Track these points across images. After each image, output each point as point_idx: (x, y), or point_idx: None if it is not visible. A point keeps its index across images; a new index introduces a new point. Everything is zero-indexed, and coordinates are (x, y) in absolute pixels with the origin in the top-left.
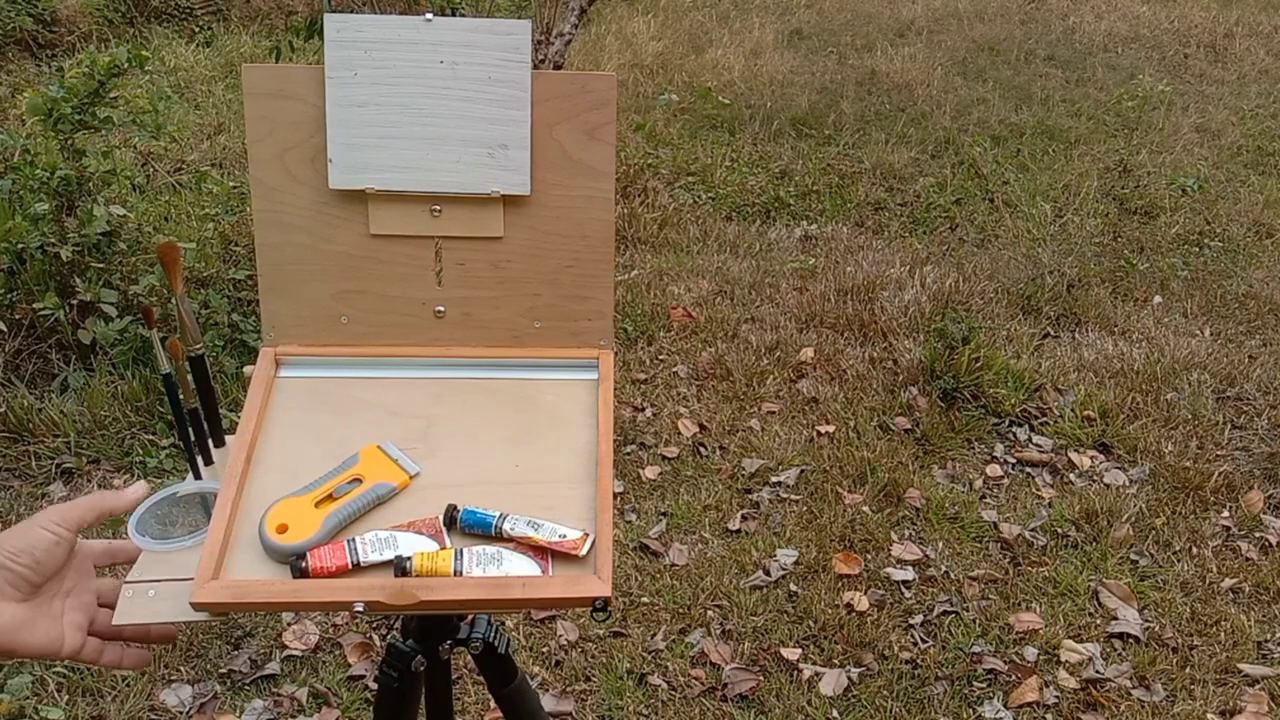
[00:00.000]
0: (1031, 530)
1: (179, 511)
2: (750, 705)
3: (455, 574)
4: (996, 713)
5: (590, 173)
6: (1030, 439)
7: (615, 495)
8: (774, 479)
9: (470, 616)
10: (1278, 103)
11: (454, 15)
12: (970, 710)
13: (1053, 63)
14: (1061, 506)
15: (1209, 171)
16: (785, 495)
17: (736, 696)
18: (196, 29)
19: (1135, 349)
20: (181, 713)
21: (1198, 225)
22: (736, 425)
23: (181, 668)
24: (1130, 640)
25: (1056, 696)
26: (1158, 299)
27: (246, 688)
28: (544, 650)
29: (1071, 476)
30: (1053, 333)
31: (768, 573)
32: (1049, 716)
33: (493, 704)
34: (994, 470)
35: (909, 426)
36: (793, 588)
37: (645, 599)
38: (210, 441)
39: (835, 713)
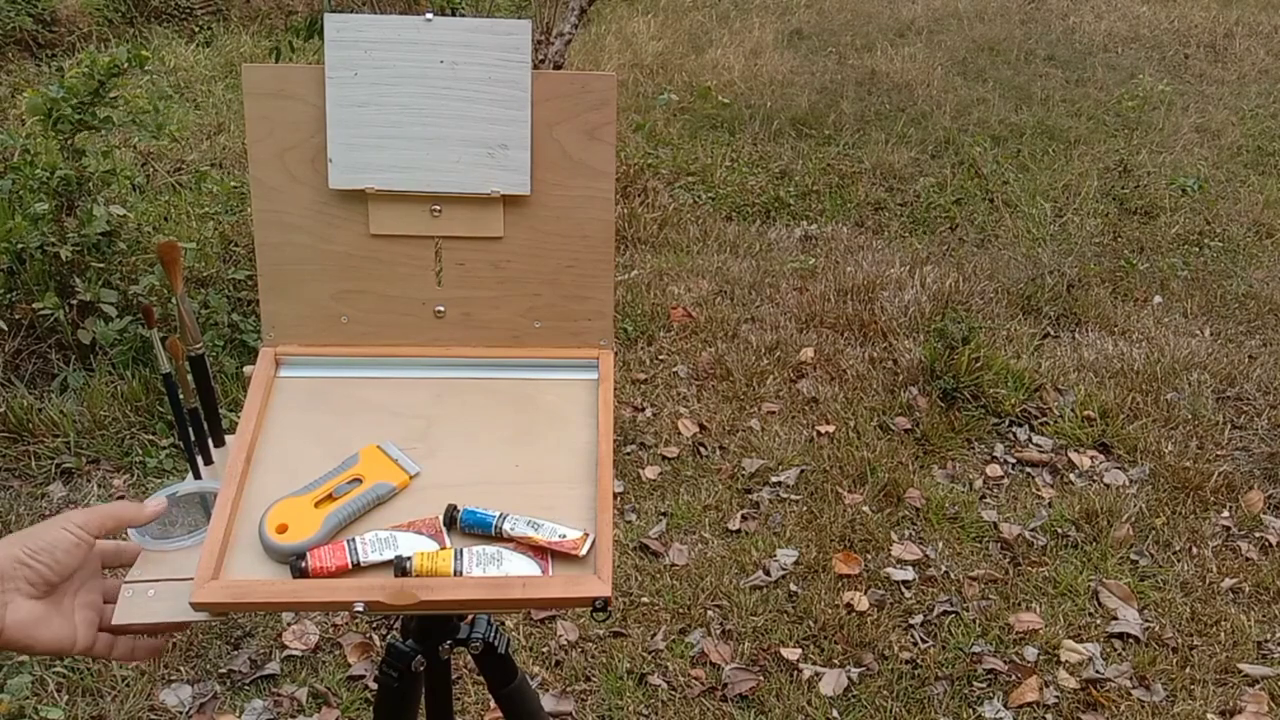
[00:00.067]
0: (1031, 530)
1: (179, 511)
2: (750, 705)
3: (455, 574)
4: (996, 713)
5: (590, 173)
6: (1030, 439)
7: (615, 495)
8: (774, 479)
9: (470, 616)
10: (1278, 103)
11: (454, 15)
12: (970, 710)
13: (1053, 63)
14: (1061, 506)
15: (1209, 171)
16: (785, 495)
17: (736, 696)
18: (196, 29)
19: (1135, 349)
20: (181, 713)
21: (1198, 225)
22: (736, 425)
23: (181, 668)
24: (1130, 640)
25: (1056, 696)
26: (1158, 299)
27: (246, 688)
28: (544, 650)
29: (1071, 476)
30: (1053, 333)
31: (768, 573)
32: (1049, 716)
33: (493, 704)
34: (994, 470)
35: (909, 426)
36: (793, 588)
37: (645, 599)
38: (210, 441)
39: (835, 713)
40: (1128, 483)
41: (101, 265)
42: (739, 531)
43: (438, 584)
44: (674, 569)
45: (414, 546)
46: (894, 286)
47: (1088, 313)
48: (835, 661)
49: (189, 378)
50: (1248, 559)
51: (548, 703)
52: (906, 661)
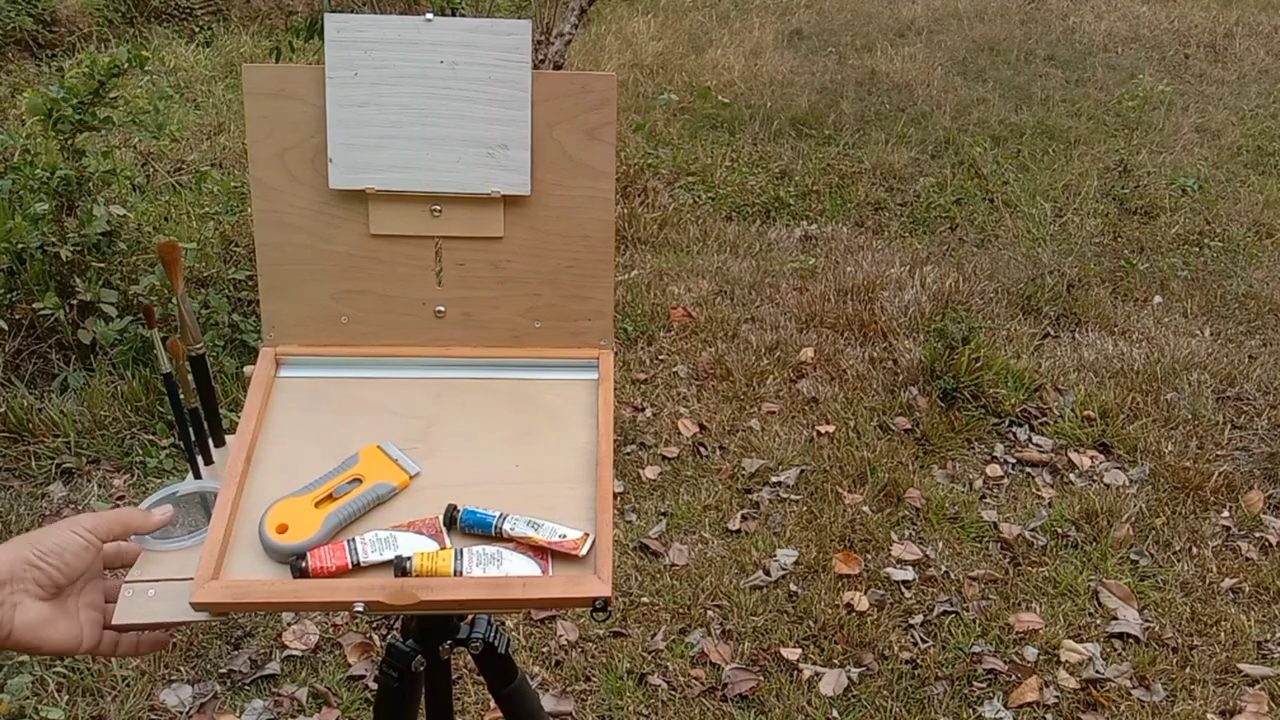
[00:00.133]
0: (1031, 530)
1: (179, 511)
2: (750, 705)
3: (455, 574)
4: (996, 713)
5: (590, 173)
6: (1030, 439)
7: (615, 495)
8: (774, 479)
9: (470, 616)
10: (1278, 103)
11: (454, 15)
12: (970, 710)
13: (1053, 63)
14: (1061, 506)
15: (1209, 171)
16: (785, 495)
17: (736, 696)
18: (196, 29)
19: (1135, 349)
20: (181, 713)
21: (1198, 225)
22: (736, 425)
23: (181, 668)
24: (1130, 640)
25: (1056, 696)
26: (1158, 299)
27: (246, 688)
28: (544, 650)
29: (1071, 476)
30: (1053, 333)
31: (768, 573)
32: (1049, 716)
33: (493, 704)
34: (994, 470)
35: (909, 426)
36: (793, 588)
37: (645, 599)
38: (210, 441)
39: (835, 713)
40: (1128, 483)
41: (102, 265)
42: (739, 531)
43: (438, 584)
44: (674, 569)
45: (414, 546)
46: (894, 286)
47: (1088, 313)
48: (835, 661)
49: (189, 377)
50: (1248, 559)
51: (548, 703)
52: (906, 661)
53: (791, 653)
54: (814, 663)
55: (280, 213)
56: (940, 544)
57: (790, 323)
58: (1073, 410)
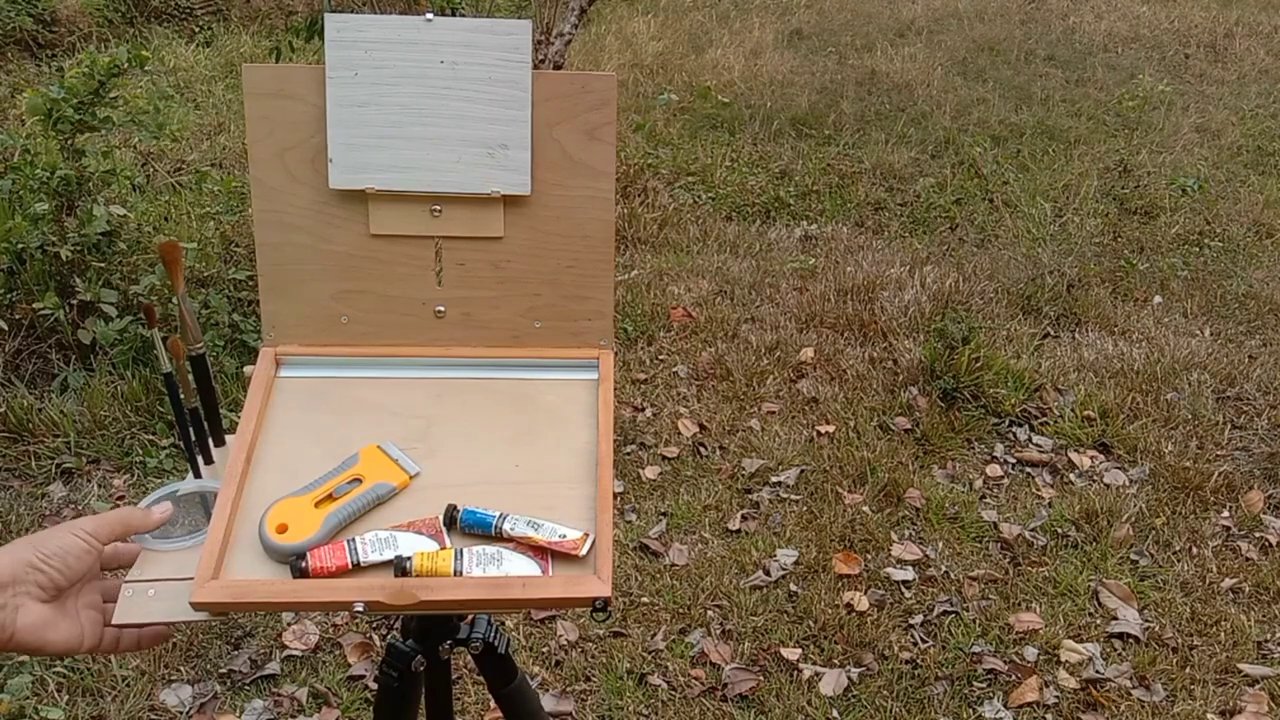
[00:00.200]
0: (1031, 530)
1: (179, 511)
2: (750, 705)
3: (455, 574)
4: (996, 713)
5: (590, 173)
6: (1030, 439)
7: (615, 495)
8: (774, 479)
9: (470, 616)
10: (1278, 103)
11: (454, 15)
12: (970, 710)
13: (1053, 63)
14: (1061, 506)
15: (1209, 171)
16: (785, 495)
17: (736, 696)
18: (196, 29)
19: (1135, 349)
20: (181, 713)
21: (1198, 225)
22: (736, 425)
23: (181, 668)
24: (1130, 640)
25: (1056, 696)
26: (1158, 299)
27: (246, 688)
28: (544, 650)
29: (1071, 476)
30: (1053, 333)
31: (768, 573)
32: (1049, 716)
33: (493, 704)
34: (994, 470)
35: (909, 426)
36: (793, 588)
37: (645, 599)
38: (210, 441)
39: (835, 713)
40: (1128, 483)
41: (102, 265)
42: (739, 531)
43: (438, 584)
44: (674, 569)
45: (414, 546)
46: (894, 286)
47: (1088, 313)
48: (835, 661)
49: (189, 377)
50: (1248, 559)
51: (548, 703)
52: (906, 661)
53: (791, 653)
54: (814, 663)
55: (280, 213)
56: (940, 544)
57: (790, 323)
58: (1073, 410)
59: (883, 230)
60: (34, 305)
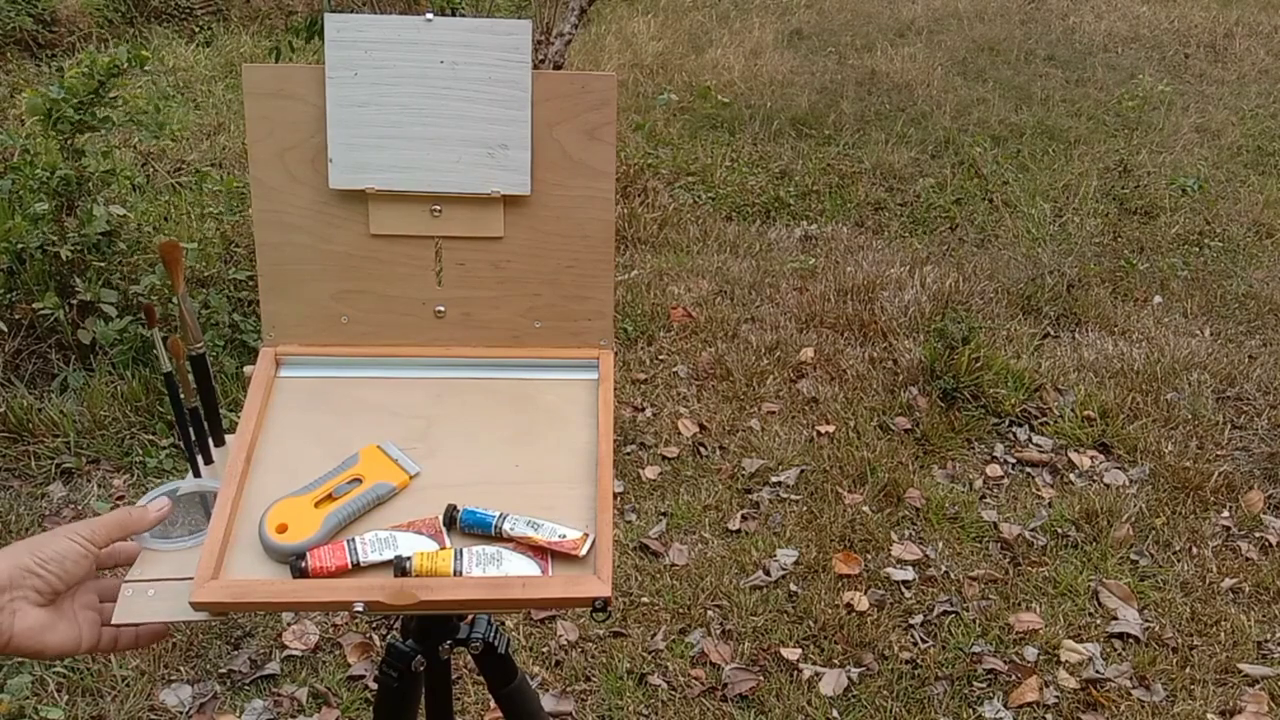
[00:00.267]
0: (1031, 530)
1: (179, 511)
2: (750, 705)
3: (455, 574)
4: (996, 713)
5: (590, 173)
6: (1030, 439)
7: (615, 495)
8: (774, 479)
9: (470, 616)
10: (1278, 103)
11: (454, 15)
12: (970, 710)
13: (1053, 63)
14: (1061, 506)
15: (1209, 171)
16: (785, 495)
17: (736, 696)
18: (196, 29)
19: (1135, 349)
20: (181, 713)
21: (1198, 225)
22: (736, 425)
23: (181, 668)
24: (1130, 640)
25: (1056, 696)
26: (1158, 299)
27: (246, 688)
28: (544, 650)
29: (1071, 476)
30: (1053, 333)
31: (768, 573)
32: (1049, 716)
33: (493, 704)
34: (994, 470)
35: (909, 426)
36: (793, 588)
37: (645, 599)
38: (210, 440)
39: (835, 713)
40: (1128, 483)
41: (102, 265)
42: (739, 531)
43: (438, 584)
44: (674, 569)
45: (414, 546)
46: (894, 286)
47: (1088, 313)
48: (835, 661)
49: (189, 377)
50: (1248, 559)
51: (548, 703)
52: (906, 661)
53: (791, 653)
54: (814, 663)
55: (280, 213)
56: (940, 544)
57: (790, 323)
58: (1073, 410)
59: (883, 230)
60: (34, 305)
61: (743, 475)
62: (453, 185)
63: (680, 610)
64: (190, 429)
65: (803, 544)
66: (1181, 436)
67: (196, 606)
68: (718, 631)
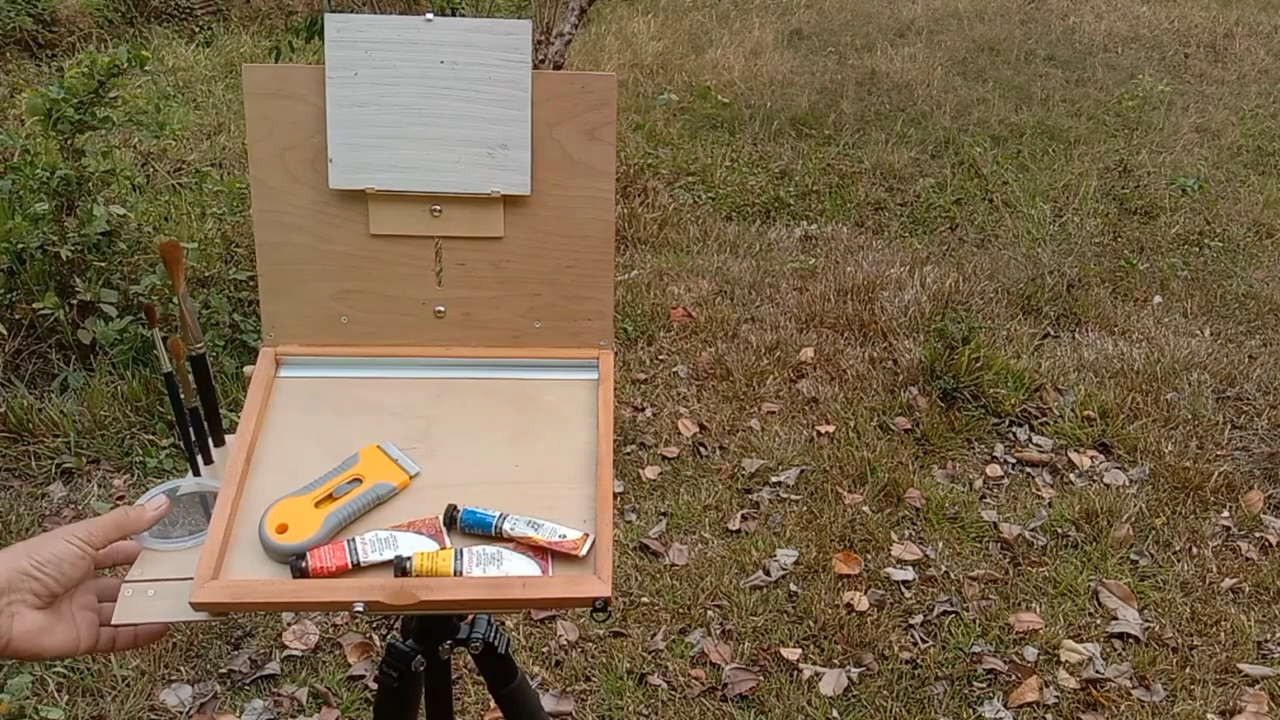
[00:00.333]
0: (1031, 530)
1: (179, 511)
2: (750, 705)
3: (455, 574)
4: (996, 713)
5: (590, 173)
6: (1030, 439)
7: (615, 495)
8: (774, 479)
9: (470, 616)
10: (1278, 103)
11: (454, 15)
12: (970, 710)
13: (1053, 63)
14: (1061, 506)
15: (1209, 171)
16: (785, 495)
17: (736, 696)
18: (196, 29)
19: (1135, 349)
20: (181, 713)
21: (1198, 225)
22: (736, 425)
23: (181, 668)
24: (1130, 640)
25: (1056, 696)
26: (1158, 299)
27: (246, 688)
28: (544, 650)
29: (1071, 476)
30: (1053, 333)
31: (768, 573)
32: (1049, 716)
33: (493, 704)
34: (994, 470)
35: (909, 426)
36: (793, 588)
37: (645, 599)
38: (210, 440)
39: (835, 713)
40: (1128, 483)
41: (102, 265)
42: (739, 531)
43: (438, 584)
44: (674, 569)
45: (414, 546)
46: (894, 286)
47: (1088, 313)
48: (835, 661)
49: (190, 377)
50: (1248, 559)
51: (548, 703)
52: (906, 661)
53: (791, 653)
54: (814, 663)
55: (280, 213)
56: (940, 544)
57: (790, 323)
58: (1073, 410)
59: (883, 230)
60: (34, 305)
61: (743, 475)
62: (453, 185)
63: (680, 610)
64: (190, 429)
65: (803, 544)
66: (1181, 436)
67: (196, 607)
68: (718, 631)
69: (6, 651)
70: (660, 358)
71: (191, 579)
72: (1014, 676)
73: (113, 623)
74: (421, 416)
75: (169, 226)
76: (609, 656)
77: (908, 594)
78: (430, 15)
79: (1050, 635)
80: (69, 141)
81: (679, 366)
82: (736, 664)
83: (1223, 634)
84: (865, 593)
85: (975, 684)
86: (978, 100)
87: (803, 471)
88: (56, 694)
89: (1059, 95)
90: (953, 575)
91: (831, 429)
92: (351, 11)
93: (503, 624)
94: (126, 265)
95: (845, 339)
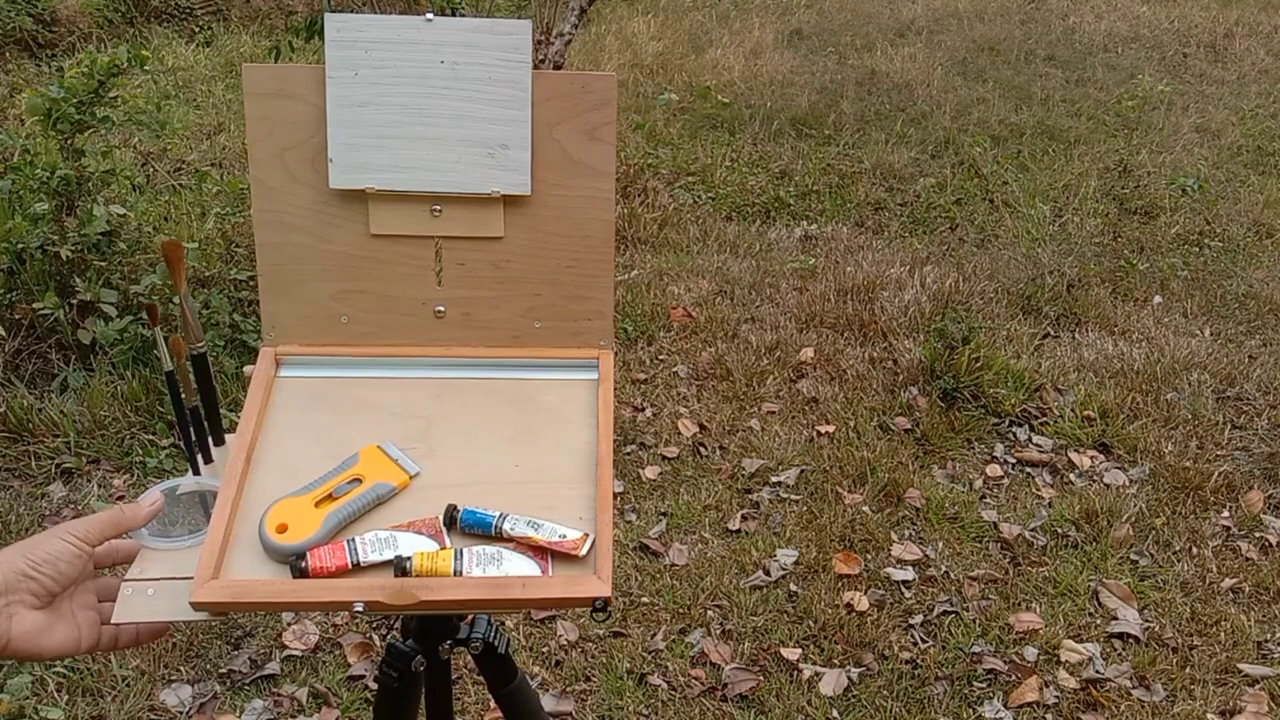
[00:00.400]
0: (1031, 530)
1: (179, 510)
2: (750, 705)
3: (455, 574)
4: (996, 713)
5: (590, 173)
6: (1030, 439)
7: (615, 495)
8: (774, 479)
9: (470, 616)
10: (1278, 103)
11: (454, 15)
12: (970, 710)
13: (1053, 63)
14: (1061, 506)
15: (1209, 171)
16: (785, 495)
17: (736, 696)
18: (196, 29)
19: (1135, 349)
20: (181, 713)
21: (1198, 225)
22: (736, 425)
23: (181, 668)
24: (1130, 640)
25: (1056, 696)
26: (1158, 299)
27: (246, 688)
28: (544, 650)
29: (1071, 476)
30: (1053, 333)
31: (768, 573)
32: (1049, 716)
33: (493, 704)
34: (994, 470)
35: (909, 426)
36: (793, 588)
37: (645, 599)
38: (210, 440)
39: (835, 713)
40: (1128, 483)
41: (102, 265)
42: (739, 531)
43: (438, 584)
44: (674, 569)
45: (414, 546)
46: (894, 286)
47: (1088, 313)
48: (835, 661)
49: (190, 376)
50: (1248, 559)
51: (548, 703)
52: (906, 661)
53: (791, 653)
54: (814, 663)
55: (280, 213)
56: (940, 544)
57: (790, 323)
58: (1073, 410)
59: (883, 230)
60: (34, 305)
61: (743, 475)
62: (453, 185)
63: (680, 610)
64: (191, 428)
65: (803, 544)
66: (1181, 436)
67: (196, 606)
68: (718, 631)
69: (6, 652)
70: (660, 358)
71: (191, 578)
72: (1014, 676)
73: (112, 621)
74: (421, 416)
75: (169, 226)
76: (609, 656)
77: (908, 594)
78: (430, 15)
79: (1050, 635)
80: (69, 141)
81: (679, 366)
82: (736, 664)
83: (1223, 634)
84: (865, 593)
85: (975, 684)
86: (978, 100)
87: (803, 471)
88: (56, 694)
89: (1059, 95)
90: (953, 575)
91: (831, 429)
92: (351, 11)
93: (503, 624)
94: (126, 265)
95: (845, 339)
